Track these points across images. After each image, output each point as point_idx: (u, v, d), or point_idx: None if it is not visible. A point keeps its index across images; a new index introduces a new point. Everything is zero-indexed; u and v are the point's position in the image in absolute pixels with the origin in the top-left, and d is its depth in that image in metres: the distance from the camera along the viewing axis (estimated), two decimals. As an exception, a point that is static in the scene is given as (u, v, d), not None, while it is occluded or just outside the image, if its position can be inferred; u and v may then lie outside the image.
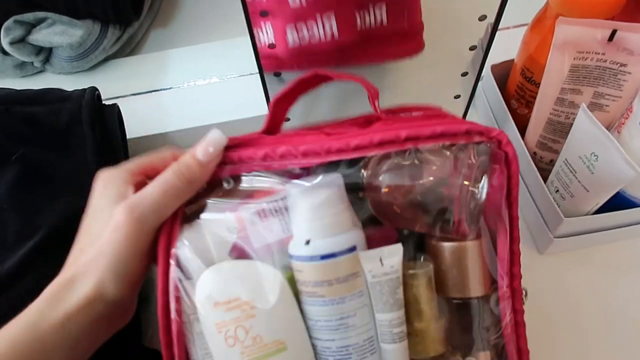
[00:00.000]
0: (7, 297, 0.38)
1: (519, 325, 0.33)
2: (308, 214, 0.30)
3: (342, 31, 0.45)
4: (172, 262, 0.30)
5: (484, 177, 0.31)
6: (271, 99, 0.39)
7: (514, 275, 0.33)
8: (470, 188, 0.30)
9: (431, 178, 0.30)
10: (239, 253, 0.31)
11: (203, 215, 0.31)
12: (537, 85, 0.48)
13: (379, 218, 0.33)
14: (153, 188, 0.30)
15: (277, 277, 0.30)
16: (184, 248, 0.30)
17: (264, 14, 0.44)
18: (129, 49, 0.67)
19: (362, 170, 0.31)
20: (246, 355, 0.29)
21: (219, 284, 0.30)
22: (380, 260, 0.30)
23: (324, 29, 0.45)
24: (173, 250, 0.30)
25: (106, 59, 0.65)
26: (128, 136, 0.54)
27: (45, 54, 0.61)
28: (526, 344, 0.33)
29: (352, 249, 0.30)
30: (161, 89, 0.62)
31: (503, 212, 0.32)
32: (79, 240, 0.31)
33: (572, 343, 0.47)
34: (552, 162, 0.50)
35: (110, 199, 0.30)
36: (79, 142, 0.46)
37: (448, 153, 0.30)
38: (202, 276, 0.30)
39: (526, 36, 0.49)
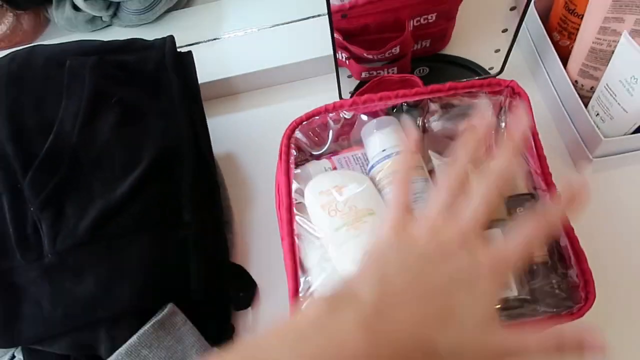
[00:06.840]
0: (122, 217, 0.45)
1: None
2: (382, 135, 0.44)
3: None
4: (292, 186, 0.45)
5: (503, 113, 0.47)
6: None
7: (545, 173, 0.44)
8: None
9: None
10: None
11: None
12: (580, 17, 0.52)
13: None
14: None
15: (363, 175, 0.44)
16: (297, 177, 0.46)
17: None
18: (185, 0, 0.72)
19: (419, 118, 0.48)
20: (345, 219, 0.41)
21: (322, 181, 0.44)
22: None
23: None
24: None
25: (167, 11, 0.70)
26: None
27: (114, 8, 0.67)
28: (573, 232, 0.42)
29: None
30: (220, 37, 0.68)
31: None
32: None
33: (618, 262, 0.50)
34: (592, 89, 0.54)
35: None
36: (166, 86, 0.52)
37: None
38: (311, 181, 0.44)
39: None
